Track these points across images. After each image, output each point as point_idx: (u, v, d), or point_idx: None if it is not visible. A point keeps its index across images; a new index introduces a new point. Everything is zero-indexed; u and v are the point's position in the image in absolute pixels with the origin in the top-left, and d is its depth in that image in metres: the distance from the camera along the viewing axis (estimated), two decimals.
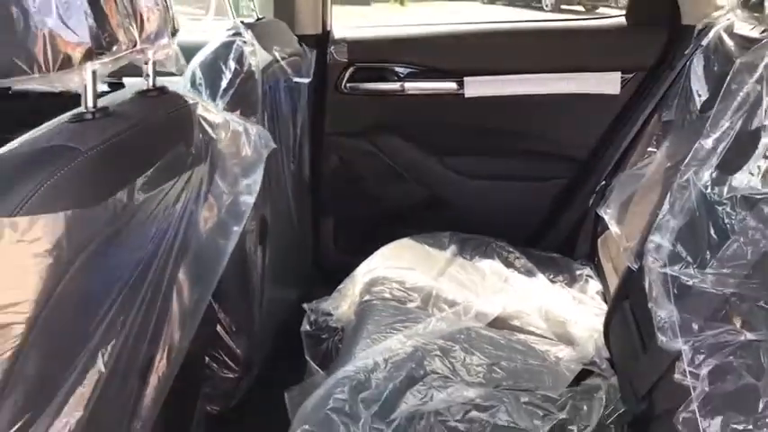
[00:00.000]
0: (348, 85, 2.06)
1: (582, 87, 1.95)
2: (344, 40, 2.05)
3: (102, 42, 0.81)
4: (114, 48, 0.84)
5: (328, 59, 2.03)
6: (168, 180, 0.97)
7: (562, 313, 1.67)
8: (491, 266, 1.88)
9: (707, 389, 0.96)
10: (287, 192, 1.83)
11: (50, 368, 0.85)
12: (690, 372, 1.01)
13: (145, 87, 1.01)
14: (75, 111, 0.87)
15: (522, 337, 1.58)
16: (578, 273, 1.87)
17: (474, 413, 1.26)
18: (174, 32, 0.99)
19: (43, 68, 0.78)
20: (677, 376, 1.03)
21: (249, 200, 1.23)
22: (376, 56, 2.05)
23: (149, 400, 1.21)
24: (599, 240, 1.89)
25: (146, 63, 0.99)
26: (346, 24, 2.18)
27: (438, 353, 1.42)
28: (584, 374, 1.46)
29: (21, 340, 0.77)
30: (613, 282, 1.67)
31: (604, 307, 1.67)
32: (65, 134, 0.81)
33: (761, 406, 0.88)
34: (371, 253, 1.87)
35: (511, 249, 1.95)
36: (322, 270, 2.15)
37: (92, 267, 0.85)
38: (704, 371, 0.99)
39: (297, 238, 1.98)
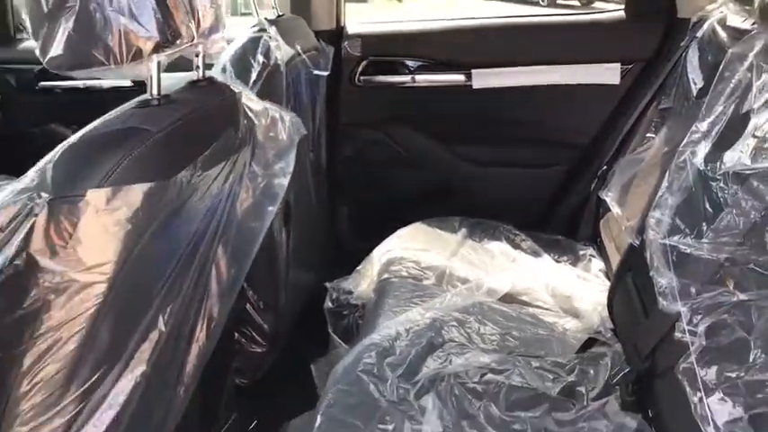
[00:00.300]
0: (362, 78, 2.16)
1: (584, 78, 2.05)
2: (358, 35, 2.15)
3: (167, 37, 0.92)
4: (177, 42, 0.94)
5: (343, 54, 2.13)
6: (220, 162, 1.07)
7: (567, 289, 1.78)
8: (499, 248, 1.99)
9: (704, 343, 1.07)
10: (307, 179, 1.94)
11: (122, 326, 0.96)
12: (688, 330, 1.12)
13: (195, 78, 1.12)
14: (140, 98, 0.98)
15: (530, 310, 1.69)
16: (581, 253, 1.98)
17: (490, 375, 1.37)
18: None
19: (118, 60, 0.89)
20: (677, 334, 1.14)
21: (283, 182, 1.33)
22: (388, 50, 2.15)
23: (191, 368, 1.31)
24: (601, 222, 2.00)
25: (196, 56, 1.10)
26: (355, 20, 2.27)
27: (454, 323, 1.53)
28: (589, 343, 1.56)
29: (102, 299, 0.88)
30: (615, 260, 1.78)
31: (607, 284, 1.77)
32: (137, 117, 0.92)
33: (752, 357, 0.99)
34: (385, 238, 1.97)
35: (517, 232, 2.05)
36: (339, 253, 2.25)
37: (159, 237, 0.96)
38: (701, 328, 1.10)
39: (316, 223, 2.09)
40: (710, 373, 1.03)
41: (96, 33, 0.87)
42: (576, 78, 2.06)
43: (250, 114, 1.18)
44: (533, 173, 2.18)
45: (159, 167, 0.90)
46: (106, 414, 0.98)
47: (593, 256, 1.95)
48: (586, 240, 2.06)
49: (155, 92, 0.96)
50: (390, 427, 1.17)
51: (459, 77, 2.12)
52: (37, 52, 0.90)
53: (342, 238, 2.28)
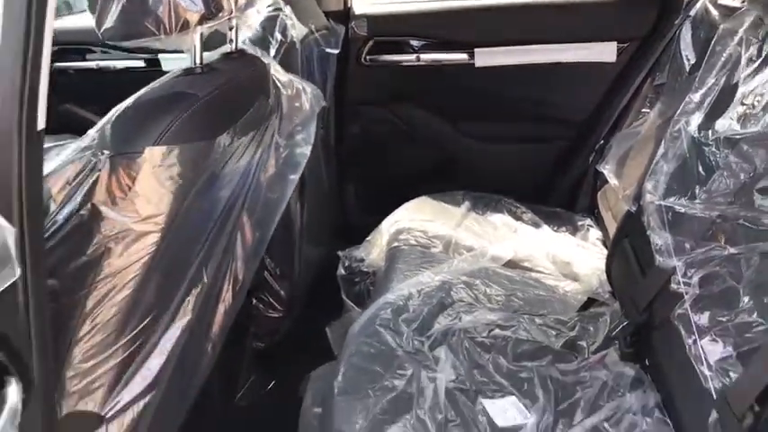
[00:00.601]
0: (368, 57, 2.24)
1: (582, 56, 2.13)
2: (364, 15, 2.22)
3: (211, 10, 1.01)
4: (219, 14, 1.03)
5: (350, 34, 2.21)
6: (253, 129, 1.16)
7: (567, 256, 1.88)
8: (502, 220, 2.09)
9: (697, 292, 1.17)
10: (318, 154, 2.02)
11: (172, 275, 1.05)
12: (683, 282, 1.22)
13: (228, 51, 1.20)
14: (184, 66, 1.06)
15: (533, 275, 1.79)
16: (580, 223, 2.08)
17: (497, 331, 1.47)
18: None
19: (167, 30, 0.97)
20: (673, 286, 1.23)
21: (305, 151, 1.42)
22: (393, 30, 2.22)
23: (218, 327, 1.40)
24: (598, 194, 2.10)
25: (230, 29, 1.18)
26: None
27: (462, 285, 1.62)
28: (588, 304, 1.67)
29: (155, 248, 0.97)
30: (612, 229, 1.87)
31: (604, 252, 1.87)
32: (184, 83, 1.01)
33: (741, 303, 1.09)
34: (391, 212, 2.06)
35: (518, 205, 2.15)
36: (347, 228, 2.34)
37: (202, 196, 1.05)
38: (695, 279, 1.20)
39: (326, 198, 2.17)
40: (703, 318, 1.13)
41: (149, 6, 0.95)
42: (575, 56, 2.13)
43: (278, 84, 1.26)
44: (534, 148, 2.27)
45: (205, 129, 0.99)
46: (156, 359, 1.07)
47: (591, 226, 2.05)
48: (584, 212, 2.16)
49: (197, 61, 1.05)
50: (408, 372, 1.27)
51: (462, 56, 2.19)
52: (91, 25, 0.98)
53: (349, 214, 2.37)
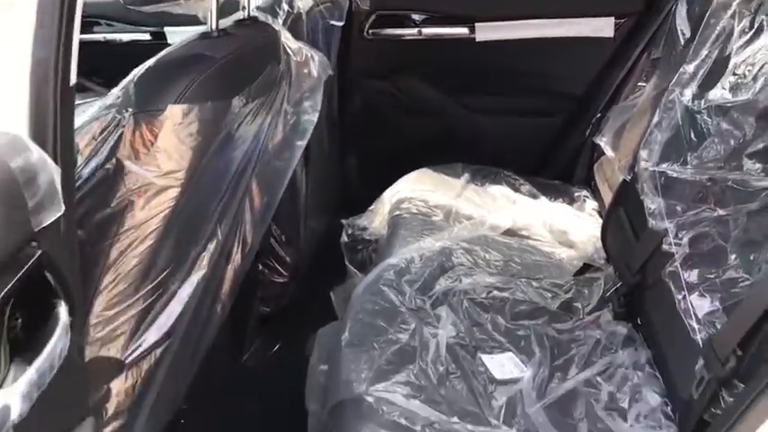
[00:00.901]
0: (371, 31, 2.28)
1: (580, 31, 2.17)
2: None
3: None
4: None
5: (353, 7, 2.24)
6: (265, 93, 1.21)
7: (564, 225, 1.94)
8: (500, 191, 2.14)
9: (687, 251, 1.23)
10: (321, 126, 2.07)
11: (189, 229, 1.10)
12: (674, 243, 1.28)
13: (241, 17, 1.25)
14: (201, 30, 1.11)
15: (530, 242, 1.85)
16: (576, 195, 2.14)
17: (495, 293, 1.53)
18: None
19: None
20: (664, 247, 1.30)
21: (312, 118, 1.47)
22: (396, 4, 2.26)
23: (227, 287, 1.46)
24: (595, 166, 2.16)
25: None
26: None
27: (462, 251, 1.68)
28: (584, 270, 1.73)
29: (175, 202, 1.03)
30: (608, 200, 1.93)
31: (600, 221, 1.93)
32: (202, 46, 1.06)
33: (728, 261, 1.15)
34: (392, 183, 2.12)
35: (516, 177, 2.20)
36: (349, 199, 2.39)
37: (218, 156, 1.10)
38: (685, 240, 1.26)
39: (330, 168, 2.23)
40: (693, 276, 1.19)
41: None
42: (573, 31, 2.17)
43: (288, 51, 1.31)
44: (532, 121, 2.32)
45: (222, 90, 1.04)
46: (173, 309, 1.13)
47: (587, 198, 2.11)
48: (581, 184, 2.22)
49: (214, 25, 1.10)
50: (411, 327, 1.33)
51: (463, 30, 2.23)
52: None
53: (351, 184, 2.42)
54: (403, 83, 2.33)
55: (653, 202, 1.39)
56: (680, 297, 1.17)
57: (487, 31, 2.22)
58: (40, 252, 0.63)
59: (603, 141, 1.95)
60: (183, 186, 1.01)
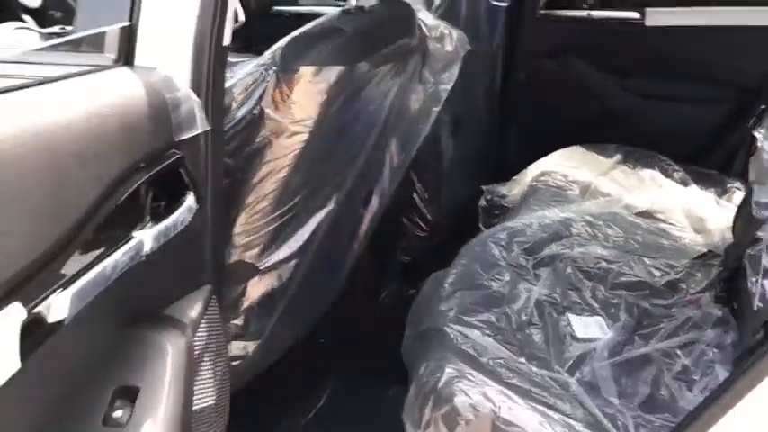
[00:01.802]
0: (541, 11, 2.39)
1: (757, 20, 2.11)
2: None
3: None
4: None
5: None
6: (394, 61, 1.43)
7: (703, 212, 1.93)
8: (651, 175, 2.16)
9: None
10: (478, 98, 2.24)
11: (316, 167, 1.36)
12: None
13: None
14: (344, 8, 1.35)
15: (662, 225, 1.88)
16: (729, 186, 2.10)
17: (603, 264, 1.62)
18: None
19: None
20: (760, 234, 1.32)
21: (447, 87, 1.66)
22: None
23: (364, 228, 1.70)
24: (750, 159, 2.09)
25: None
26: None
27: (584, 223, 1.78)
28: (705, 256, 1.73)
29: (304, 144, 1.28)
30: None
31: None
32: (338, 21, 1.30)
33: None
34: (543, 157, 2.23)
35: (671, 163, 2.20)
36: (501, 170, 2.54)
37: (344, 108, 1.34)
38: None
39: (484, 139, 2.39)
40: None
41: None
42: (750, 20, 2.12)
43: (423, 28, 1.51)
44: (695, 108, 2.29)
45: (348, 56, 1.28)
46: (304, 232, 1.40)
47: (739, 189, 2.06)
48: (738, 176, 2.16)
49: (353, 3, 1.33)
50: (506, 279, 1.49)
51: (633, 14, 2.27)
52: None
53: (507, 156, 2.56)
54: (567, 62, 2.42)
55: (765, 193, 1.40)
56: (753, 280, 1.21)
57: (658, 17, 2.24)
58: (178, 156, 0.91)
59: (761, 134, 1.90)
60: (311, 133, 1.27)
